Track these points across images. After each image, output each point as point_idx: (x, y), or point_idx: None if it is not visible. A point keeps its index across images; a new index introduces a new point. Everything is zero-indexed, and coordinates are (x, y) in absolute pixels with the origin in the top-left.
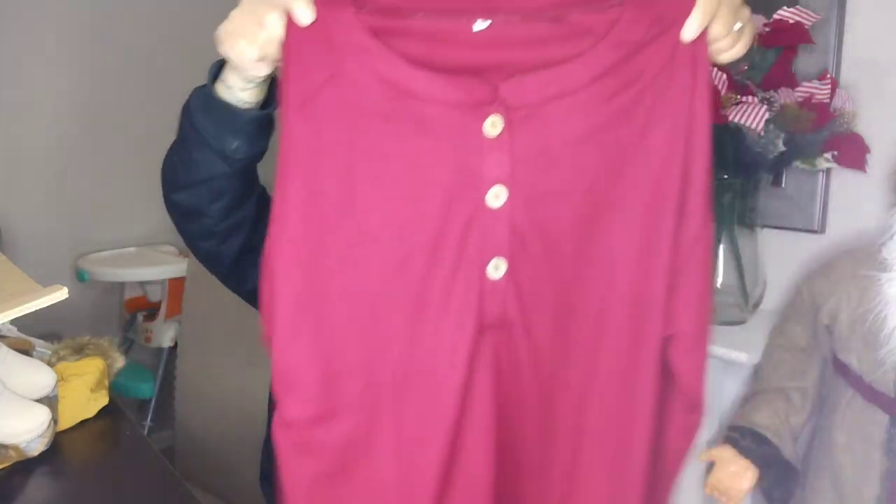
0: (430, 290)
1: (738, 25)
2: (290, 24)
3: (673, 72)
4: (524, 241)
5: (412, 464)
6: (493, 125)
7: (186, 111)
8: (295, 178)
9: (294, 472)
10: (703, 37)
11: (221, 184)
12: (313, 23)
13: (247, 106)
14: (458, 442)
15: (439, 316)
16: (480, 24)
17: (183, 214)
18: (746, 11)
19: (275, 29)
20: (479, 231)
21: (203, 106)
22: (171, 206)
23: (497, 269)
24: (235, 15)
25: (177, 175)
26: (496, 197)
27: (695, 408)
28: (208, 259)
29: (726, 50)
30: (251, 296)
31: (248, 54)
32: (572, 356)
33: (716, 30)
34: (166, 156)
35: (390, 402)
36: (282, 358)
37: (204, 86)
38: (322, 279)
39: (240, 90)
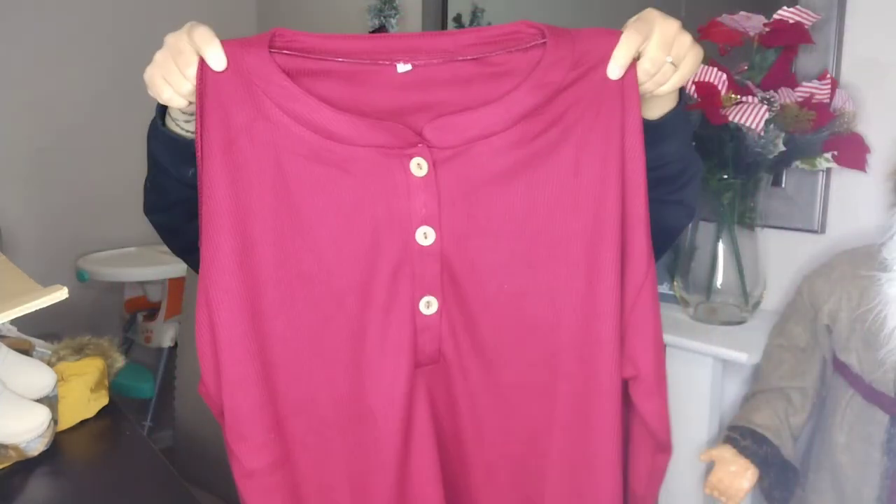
0: (367, 328)
1: (669, 59)
2: (206, 68)
3: (601, 109)
4: (455, 279)
5: (364, 498)
6: (418, 166)
7: (148, 140)
8: (223, 226)
9: None
10: (631, 72)
11: (192, 206)
12: (229, 66)
13: (193, 136)
14: (405, 476)
15: (377, 352)
16: (403, 67)
17: (165, 232)
18: (685, 39)
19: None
20: (409, 269)
21: (156, 137)
22: (153, 224)
23: (429, 306)
24: (159, 60)
25: (151, 198)
26: (425, 236)
27: (663, 448)
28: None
29: (664, 82)
30: None
31: (175, 102)
32: (518, 394)
33: (645, 66)
34: (145, 179)
35: (338, 440)
36: (232, 408)
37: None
38: (262, 324)
39: (183, 122)
